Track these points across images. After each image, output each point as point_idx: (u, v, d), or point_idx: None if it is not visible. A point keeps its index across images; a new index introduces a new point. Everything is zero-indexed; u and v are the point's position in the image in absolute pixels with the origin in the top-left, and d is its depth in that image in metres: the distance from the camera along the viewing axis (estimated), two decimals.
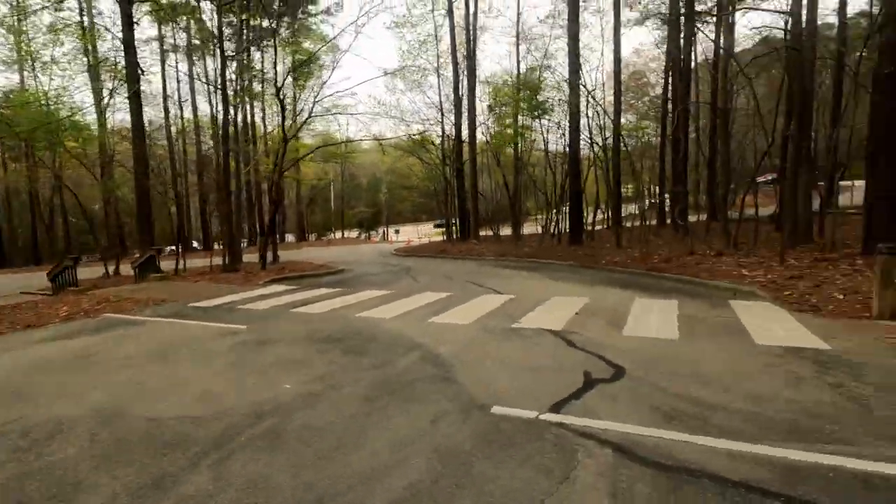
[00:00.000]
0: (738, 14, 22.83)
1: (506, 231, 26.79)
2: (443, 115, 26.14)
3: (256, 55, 29.54)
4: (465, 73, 24.09)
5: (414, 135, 23.79)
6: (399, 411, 3.74)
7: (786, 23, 11.20)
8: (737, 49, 27.46)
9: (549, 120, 21.78)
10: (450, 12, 24.00)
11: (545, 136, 22.30)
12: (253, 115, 36.75)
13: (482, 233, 26.78)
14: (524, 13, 62.70)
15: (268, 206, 26.10)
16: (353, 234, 53.99)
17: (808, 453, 2.86)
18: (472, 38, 24.14)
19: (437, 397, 3.98)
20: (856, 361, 4.43)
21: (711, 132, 19.20)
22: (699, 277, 9.01)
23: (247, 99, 30.48)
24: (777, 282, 7.73)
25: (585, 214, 23.90)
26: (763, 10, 17.91)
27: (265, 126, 37.55)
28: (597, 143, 20.42)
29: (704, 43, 26.43)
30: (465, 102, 24.44)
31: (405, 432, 3.36)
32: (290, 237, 48.59)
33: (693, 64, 26.86)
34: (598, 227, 23.91)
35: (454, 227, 26.84)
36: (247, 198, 37.14)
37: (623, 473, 2.73)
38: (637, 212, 27.34)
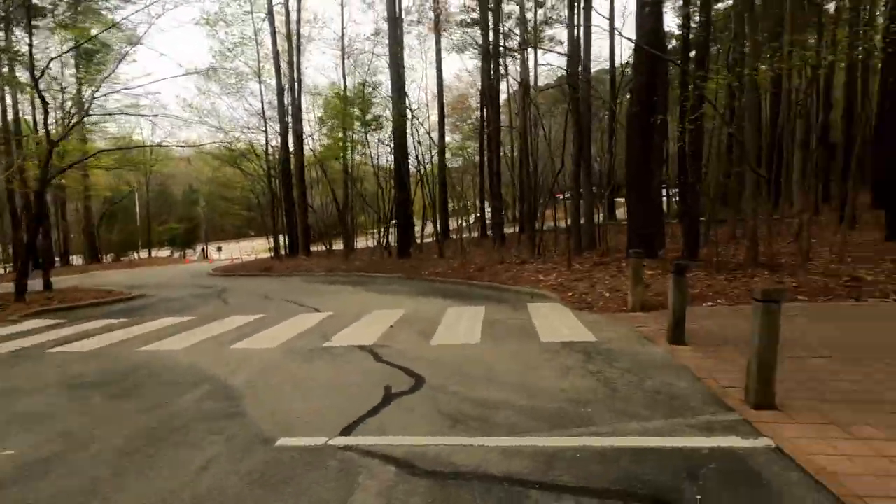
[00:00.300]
0: (541, 52, 26.27)
1: (340, 246, 26.22)
2: (266, 123, 24.58)
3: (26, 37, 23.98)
4: (289, 81, 23.06)
5: (228, 143, 21.81)
6: (163, 462, 3.17)
7: (568, 64, 13.28)
8: (543, 82, 31.71)
9: (378, 136, 22.08)
10: (270, 15, 22.77)
11: (372, 151, 22.47)
12: (16, 111, 29.72)
13: (313, 248, 25.76)
14: (348, 28, 62.68)
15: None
16: (165, 253, 47.20)
17: (564, 438, 3.20)
18: (295, 46, 23.26)
19: (215, 438, 3.50)
20: (612, 349, 5.23)
21: (521, 154, 21.67)
22: (505, 284, 9.92)
23: (6, 89, 24.53)
24: (564, 284, 8.90)
25: (417, 228, 24.74)
26: (553, 51, 20.99)
27: (36, 125, 30.66)
28: (422, 161, 21.31)
29: (515, 74, 29.88)
30: (291, 112, 23.35)
31: (165, 487, 2.85)
32: (76, 259, 40.21)
33: (508, 92, 30.13)
34: (428, 240, 24.97)
35: (283, 243, 25.31)
36: (10, 212, 29.66)
37: (401, 490, 2.69)
38: (463, 224, 29.30)
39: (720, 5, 23.12)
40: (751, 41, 9.44)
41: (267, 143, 24.94)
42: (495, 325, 6.68)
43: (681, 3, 15.57)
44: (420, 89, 60.24)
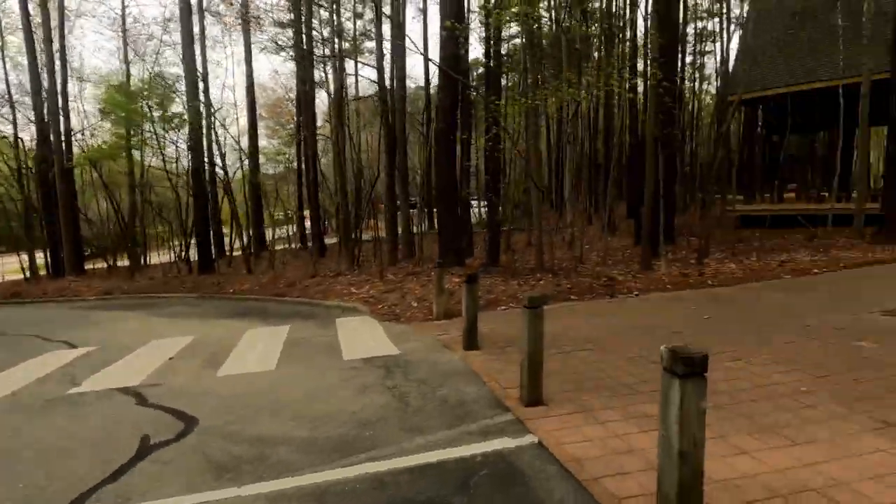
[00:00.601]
0: (361, 64, 26.15)
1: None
2: (14, 110, 19.51)
3: None
4: (48, 61, 18.69)
5: None
6: None
7: (378, 77, 13.48)
8: (364, 93, 31.74)
9: (175, 136, 19.25)
10: None
11: (170, 153, 19.56)
12: None
13: (90, 266, 21.23)
14: (131, 7, 52.76)
15: None
16: None
17: (344, 469, 2.99)
18: (57, 20, 18.98)
19: None
20: (412, 361, 5.27)
21: (337, 162, 21.23)
22: (316, 299, 9.46)
23: None
24: (375, 296, 8.85)
25: (230, 239, 22.25)
26: (365, 63, 21.09)
27: None
28: (229, 166, 19.34)
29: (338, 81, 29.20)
30: (51, 98, 18.87)
31: None
32: None
33: (330, 99, 29.32)
34: (241, 253, 22.72)
35: (45, 261, 20.25)
36: None
37: None
38: (282, 235, 27.52)
39: (516, 41, 26.37)
40: (532, 74, 10.84)
41: (17, 135, 19.81)
42: (298, 346, 6.23)
43: (484, 34, 17.25)
44: (228, 88, 54.31)
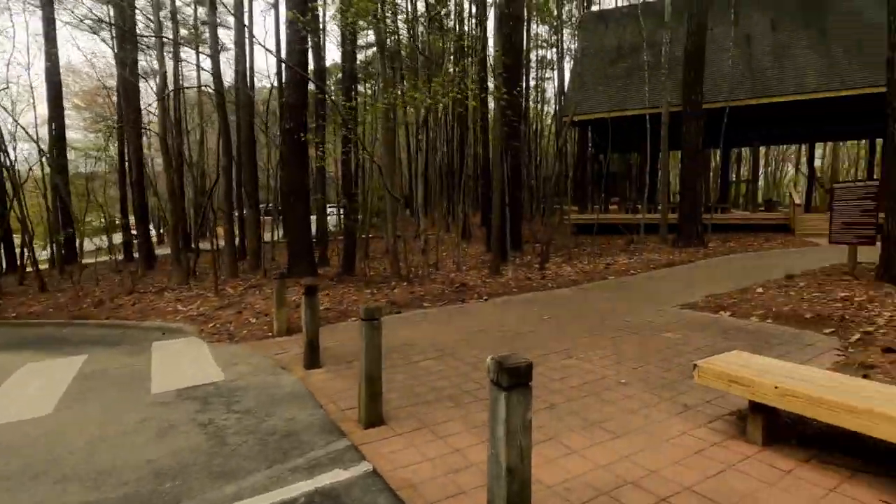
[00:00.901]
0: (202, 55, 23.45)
1: None
2: None
3: None
4: None
5: None
6: None
7: (212, 66, 12.07)
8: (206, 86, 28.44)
9: None
10: None
11: None
12: None
13: None
14: None
15: None
16: None
17: None
18: None
19: None
20: (239, 387, 4.57)
21: (167, 162, 18.64)
22: (130, 320, 7.96)
23: None
24: (206, 314, 7.74)
25: (21, 251, 18.00)
26: (204, 54, 18.87)
27: None
28: (7, 158, 15.63)
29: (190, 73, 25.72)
30: None
31: None
32: None
33: (166, 91, 25.64)
34: (44, 267, 18.57)
35: None
36: None
37: None
38: (103, 245, 23.29)
39: (371, 50, 26.19)
40: (384, 81, 10.70)
41: None
42: (92, 380, 5.04)
43: (340, 37, 16.67)
44: (20, 65, 44.08)
